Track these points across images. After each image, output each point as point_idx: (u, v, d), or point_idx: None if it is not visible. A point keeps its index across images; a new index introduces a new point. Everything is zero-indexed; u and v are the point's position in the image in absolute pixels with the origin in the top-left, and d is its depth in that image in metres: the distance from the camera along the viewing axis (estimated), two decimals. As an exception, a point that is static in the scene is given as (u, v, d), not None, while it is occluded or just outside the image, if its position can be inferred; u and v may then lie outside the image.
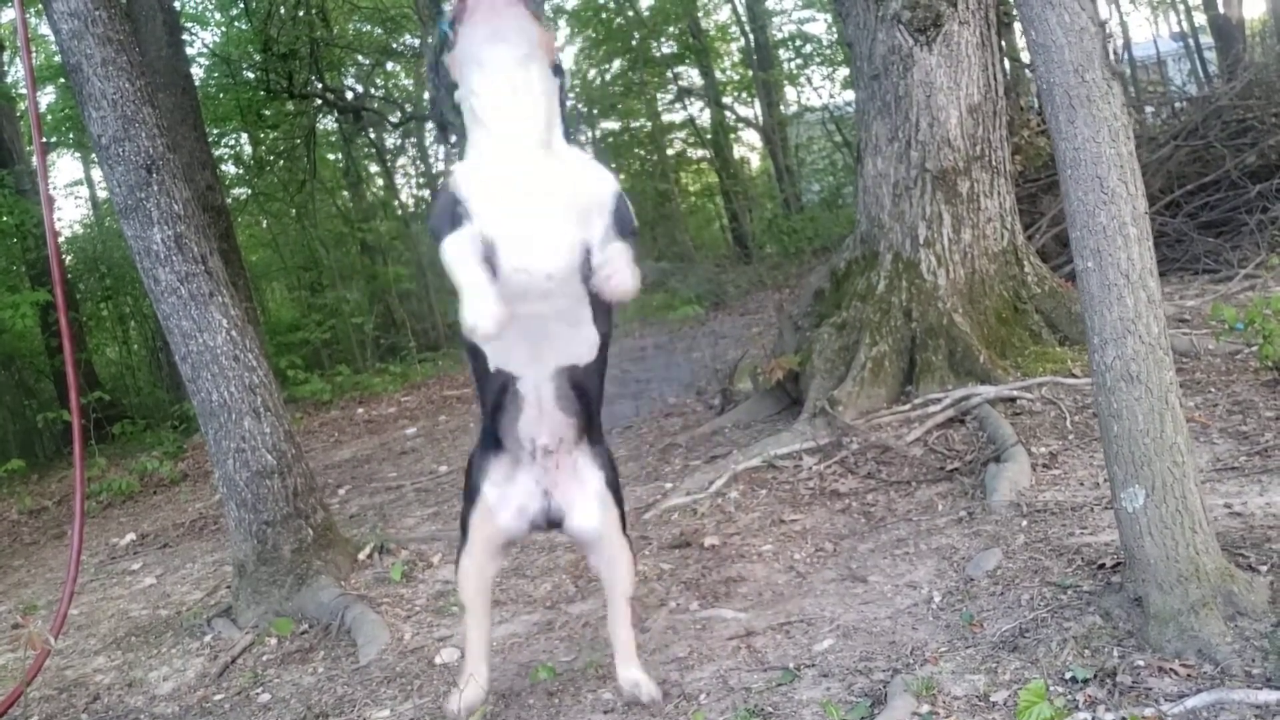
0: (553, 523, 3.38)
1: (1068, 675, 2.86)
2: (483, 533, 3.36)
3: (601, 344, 3.21)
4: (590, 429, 3.37)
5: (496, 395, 3.24)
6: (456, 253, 2.88)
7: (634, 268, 2.89)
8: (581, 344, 3.18)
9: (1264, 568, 3.15)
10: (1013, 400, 5.52)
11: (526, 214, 2.99)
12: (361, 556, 5.41)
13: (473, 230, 2.93)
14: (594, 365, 3.24)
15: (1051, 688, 2.79)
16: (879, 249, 6.47)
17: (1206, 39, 17.87)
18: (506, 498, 3.34)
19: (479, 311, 2.74)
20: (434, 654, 4.09)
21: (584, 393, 3.25)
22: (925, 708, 2.85)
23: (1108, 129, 2.86)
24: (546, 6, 3.12)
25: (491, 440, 3.33)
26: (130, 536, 7.83)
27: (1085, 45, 2.85)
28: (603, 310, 3.13)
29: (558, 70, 3.11)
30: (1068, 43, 2.86)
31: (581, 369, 3.21)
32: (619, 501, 3.43)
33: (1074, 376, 5.58)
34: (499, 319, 2.73)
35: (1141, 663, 2.83)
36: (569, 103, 3.16)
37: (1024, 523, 4.11)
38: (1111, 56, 2.83)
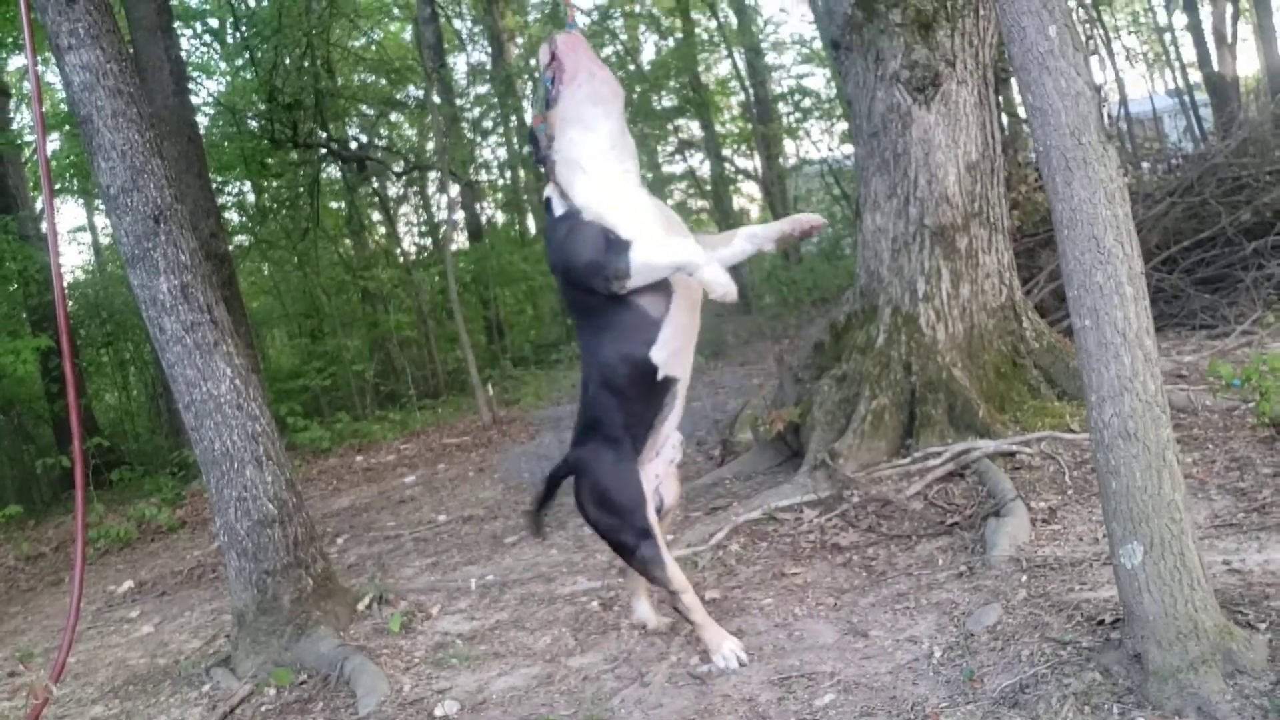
0: (656, 509, 3.90)
1: (1068, 732, 2.87)
2: (657, 527, 3.85)
3: None
4: None
5: (659, 400, 3.75)
6: (660, 248, 3.40)
7: None
8: None
9: (1263, 625, 3.16)
10: (1012, 455, 5.53)
11: (675, 228, 3.60)
12: (360, 607, 5.41)
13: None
14: None
15: (1052, 745, 2.80)
16: (878, 303, 6.51)
17: (1202, 95, 18.05)
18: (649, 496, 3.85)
19: (726, 281, 3.34)
20: (433, 706, 4.08)
21: None
22: (926, 764, 2.86)
23: (1104, 191, 2.91)
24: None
25: (631, 450, 3.78)
26: (128, 584, 7.81)
27: (1081, 109, 2.91)
28: None
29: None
30: (1064, 107, 2.92)
31: None
32: None
33: (1072, 431, 5.60)
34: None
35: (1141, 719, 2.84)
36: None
37: (1024, 578, 4.13)
38: (1107, 120, 2.88)
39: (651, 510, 3.81)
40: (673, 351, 3.61)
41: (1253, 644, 2.98)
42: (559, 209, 3.62)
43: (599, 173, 3.54)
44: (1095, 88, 2.92)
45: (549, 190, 3.69)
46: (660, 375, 3.65)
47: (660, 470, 3.91)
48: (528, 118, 4.17)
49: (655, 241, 3.38)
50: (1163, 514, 2.96)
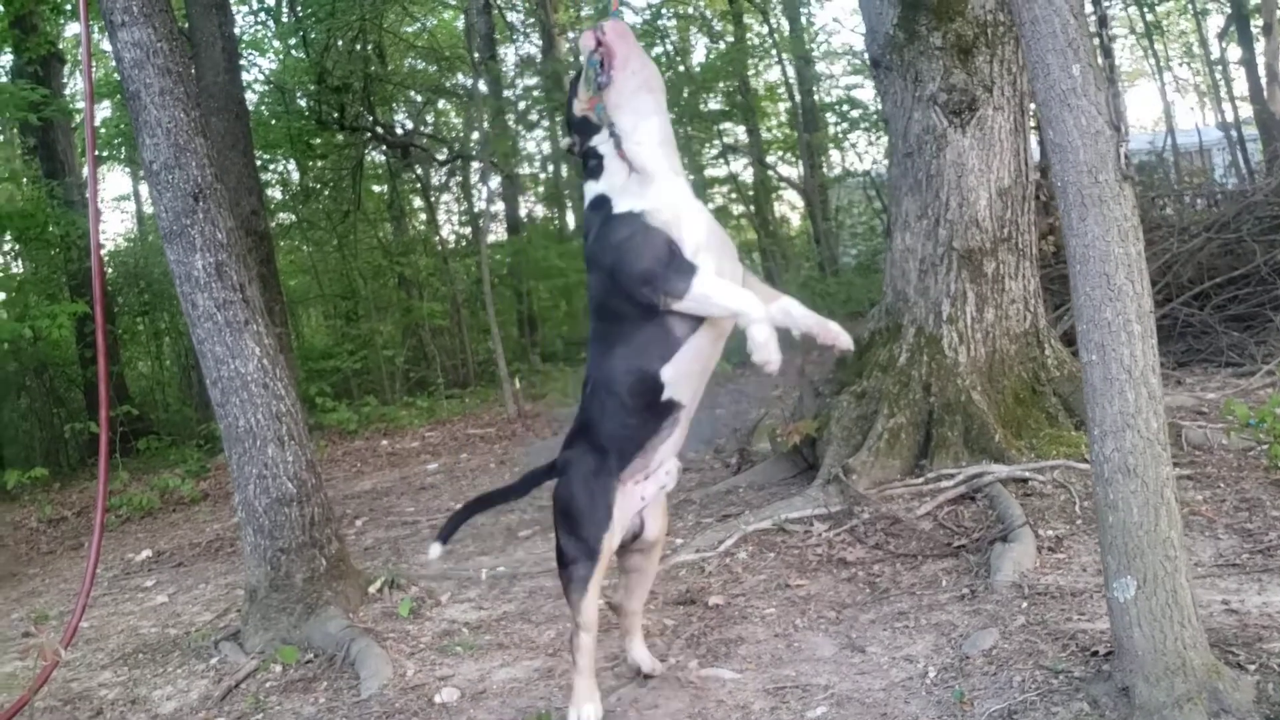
0: (635, 536, 3.70)
1: (1049, 760, 2.90)
2: (608, 554, 3.53)
3: None
4: None
5: (658, 421, 3.48)
6: (725, 289, 3.24)
7: None
8: None
9: (1253, 667, 3.18)
10: (1024, 481, 5.55)
11: (728, 258, 3.41)
12: (372, 590, 5.48)
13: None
14: None
15: (1031, 771, 2.84)
16: (903, 322, 6.54)
17: (1252, 130, 17.88)
18: (622, 520, 3.56)
19: (773, 349, 3.15)
20: (434, 692, 4.16)
21: None
22: (906, 782, 2.90)
23: (1117, 229, 2.94)
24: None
25: (615, 464, 3.51)
26: (146, 553, 7.95)
27: (1100, 148, 2.95)
28: None
29: None
30: (1083, 144, 2.96)
31: None
32: None
33: (1086, 461, 5.58)
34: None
35: (1123, 753, 2.87)
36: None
37: (1024, 604, 4.15)
38: (1124, 160, 2.92)
39: (612, 534, 3.50)
40: (684, 375, 3.40)
41: (1240, 685, 3.00)
42: (620, 206, 3.39)
43: (662, 172, 3.36)
44: (1115, 127, 2.95)
45: (601, 186, 3.44)
46: (665, 395, 3.42)
47: (649, 493, 3.62)
48: (576, 107, 3.87)
49: (720, 280, 3.20)
50: (1158, 550, 2.99)
